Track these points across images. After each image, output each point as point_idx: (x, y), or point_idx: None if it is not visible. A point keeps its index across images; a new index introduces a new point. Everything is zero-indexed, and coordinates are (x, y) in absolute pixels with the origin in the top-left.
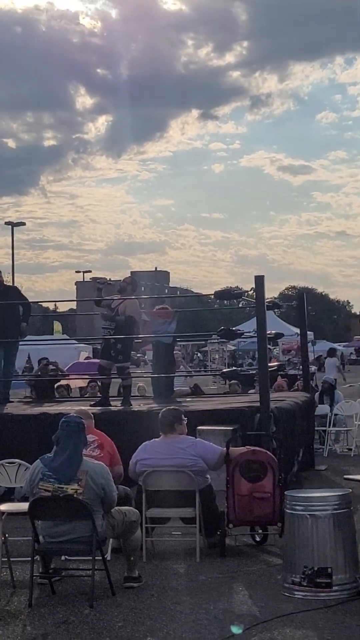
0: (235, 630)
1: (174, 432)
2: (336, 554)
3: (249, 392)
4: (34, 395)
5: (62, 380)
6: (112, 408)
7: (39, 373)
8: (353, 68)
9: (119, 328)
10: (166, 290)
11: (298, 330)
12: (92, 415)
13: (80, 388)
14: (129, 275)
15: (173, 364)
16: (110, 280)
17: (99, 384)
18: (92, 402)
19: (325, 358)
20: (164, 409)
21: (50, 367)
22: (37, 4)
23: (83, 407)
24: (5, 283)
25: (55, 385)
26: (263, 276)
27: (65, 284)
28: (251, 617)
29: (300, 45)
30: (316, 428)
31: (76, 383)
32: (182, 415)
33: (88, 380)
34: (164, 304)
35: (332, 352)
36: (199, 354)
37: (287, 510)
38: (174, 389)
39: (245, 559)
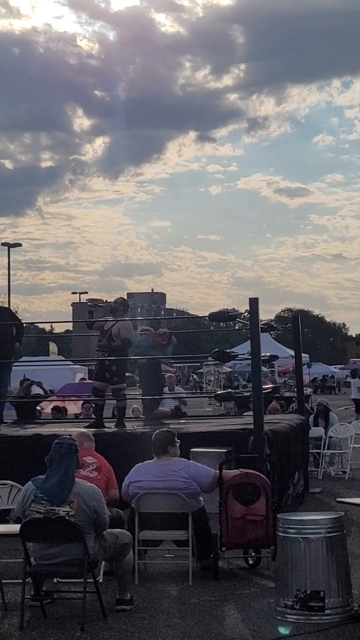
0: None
1: (167, 454)
2: (329, 578)
3: (244, 414)
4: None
5: (57, 403)
6: (106, 430)
7: (21, 394)
8: (350, 91)
9: (114, 350)
10: (162, 312)
11: (293, 353)
12: (93, 437)
13: (76, 414)
14: (124, 296)
15: (161, 384)
16: (102, 302)
17: (93, 405)
18: (86, 424)
19: (350, 378)
20: (157, 431)
21: (34, 386)
22: (34, 25)
23: (85, 430)
24: None
25: (51, 408)
26: (257, 298)
27: (61, 305)
28: None
29: (297, 68)
30: (311, 450)
31: (72, 408)
32: (175, 438)
33: (82, 403)
34: (160, 324)
35: (355, 373)
36: (194, 376)
37: (280, 534)
38: (155, 411)
39: (238, 582)
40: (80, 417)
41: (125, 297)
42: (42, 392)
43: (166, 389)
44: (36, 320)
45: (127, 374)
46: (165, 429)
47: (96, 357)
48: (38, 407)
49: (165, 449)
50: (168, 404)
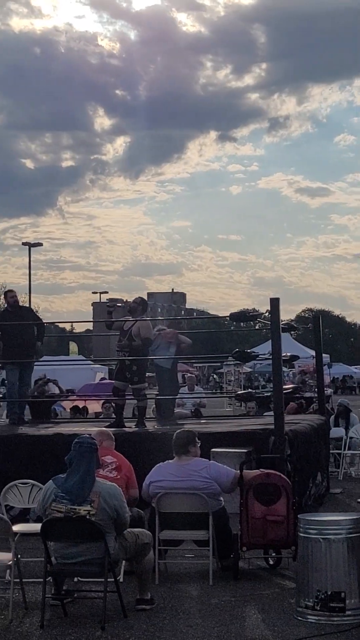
0: None
1: (188, 454)
2: (350, 578)
3: (264, 414)
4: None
5: (77, 402)
6: (127, 429)
7: (35, 393)
8: None
9: (134, 350)
10: (182, 312)
11: (314, 353)
12: (113, 436)
13: (96, 413)
14: (144, 296)
15: (176, 386)
16: (121, 302)
17: (113, 405)
18: (106, 424)
19: None
20: (178, 431)
21: (50, 385)
22: (56, 25)
23: (104, 428)
24: (19, 303)
25: (71, 407)
26: (278, 299)
27: (81, 304)
28: None
29: (318, 67)
30: (331, 451)
31: (93, 408)
32: (196, 438)
33: (102, 402)
34: (180, 324)
35: None
36: (215, 376)
37: (301, 534)
38: (175, 412)
39: (259, 583)
40: (101, 416)
41: (146, 297)
42: (58, 391)
43: (186, 389)
44: (56, 320)
45: (147, 374)
46: (187, 429)
47: (116, 357)
48: (56, 407)
49: (187, 449)
50: (188, 404)
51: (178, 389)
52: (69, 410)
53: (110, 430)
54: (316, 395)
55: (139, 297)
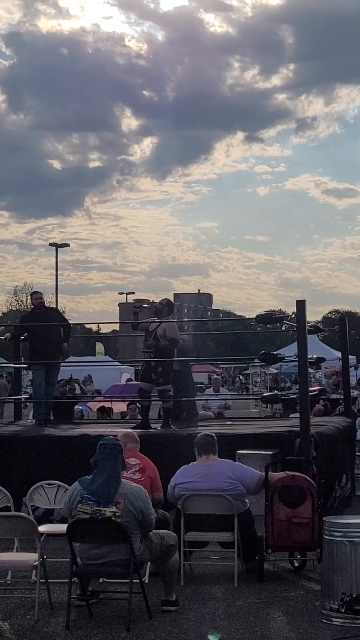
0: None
1: (214, 455)
2: None
3: (290, 416)
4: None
5: (104, 403)
6: (152, 430)
7: (57, 394)
8: None
9: (160, 351)
10: (209, 313)
11: (340, 355)
12: (138, 438)
13: (122, 413)
14: (171, 297)
15: (191, 386)
16: (147, 303)
17: (139, 406)
18: (132, 425)
19: None
20: (201, 433)
21: (69, 387)
22: (83, 25)
23: (130, 430)
24: (45, 304)
25: (97, 407)
26: (304, 300)
27: (108, 305)
28: None
29: (346, 68)
30: (357, 453)
31: (118, 407)
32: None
33: (128, 403)
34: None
35: None
36: (241, 377)
37: (326, 537)
38: (199, 412)
39: (284, 585)
40: (126, 417)
41: (172, 298)
42: (80, 392)
43: (211, 390)
44: (83, 321)
45: None
46: (207, 432)
47: (142, 357)
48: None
49: (210, 448)
50: (214, 405)
51: (194, 389)
52: (95, 411)
53: (136, 431)
54: (342, 397)
55: (165, 298)
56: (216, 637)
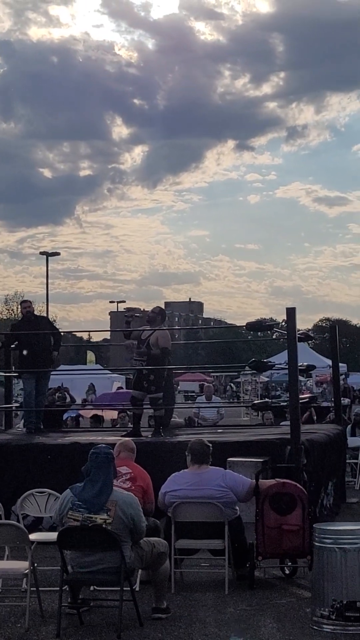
0: None
1: (205, 463)
2: None
3: (281, 423)
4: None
5: (96, 411)
6: (143, 438)
7: (46, 402)
8: None
9: (152, 359)
10: (200, 321)
11: (331, 362)
12: (133, 447)
13: (113, 420)
14: (162, 305)
15: (173, 396)
16: (139, 312)
17: (129, 414)
18: (123, 433)
19: None
20: (193, 440)
21: (58, 395)
22: (73, 34)
23: (126, 439)
24: (35, 313)
25: (91, 416)
26: (294, 308)
27: (99, 313)
28: None
29: (337, 76)
30: (348, 461)
31: (109, 415)
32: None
33: (118, 411)
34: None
35: None
36: (232, 385)
37: (316, 544)
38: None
39: (274, 592)
40: (117, 425)
41: (163, 306)
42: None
43: (203, 398)
44: (74, 329)
45: None
46: (203, 440)
47: (134, 365)
48: (72, 415)
49: (205, 459)
50: (209, 413)
51: (173, 397)
52: (88, 419)
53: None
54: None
55: (158, 306)
56: None
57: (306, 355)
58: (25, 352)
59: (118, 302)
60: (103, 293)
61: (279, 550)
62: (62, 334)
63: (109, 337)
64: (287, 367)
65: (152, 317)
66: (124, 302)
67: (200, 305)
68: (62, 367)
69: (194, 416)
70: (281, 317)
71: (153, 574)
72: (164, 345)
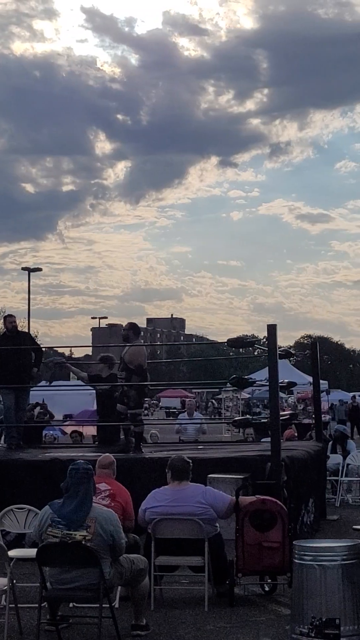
0: None
1: (186, 480)
2: (345, 605)
3: (262, 440)
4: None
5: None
6: (122, 455)
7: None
8: None
9: (129, 376)
10: (182, 338)
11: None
12: (113, 463)
13: (93, 437)
14: (144, 322)
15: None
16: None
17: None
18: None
19: None
20: (174, 456)
21: (37, 410)
22: (57, 49)
23: (108, 454)
24: (17, 328)
25: (70, 431)
26: (275, 325)
27: (81, 329)
28: None
29: (320, 93)
30: (328, 477)
31: (88, 431)
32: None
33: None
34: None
35: None
36: (213, 402)
37: (296, 560)
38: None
39: (254, 609)
40: (96, 443)
41: (145, 323)
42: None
43: (185, 415)
44: (56, 345)
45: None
46: (183, 456)
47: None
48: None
49: (185, 475)
50: (190, 430)
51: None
52: (69, 435)
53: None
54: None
55: (129, 322)
56: None
57: (287, 372)
58: (2, 368)
59: (100, 318)
60: (85, 309)
61: (258, 567)
62: (43, 350)
63: (90, 354)
64: (268, 383)
65: (124, 334)
66: (105, 318)
67: (182, 321)
68: (42, 383)
69: (176, 432)
70: (263, 333)
71: (132, 590)
72: (137, 362)
